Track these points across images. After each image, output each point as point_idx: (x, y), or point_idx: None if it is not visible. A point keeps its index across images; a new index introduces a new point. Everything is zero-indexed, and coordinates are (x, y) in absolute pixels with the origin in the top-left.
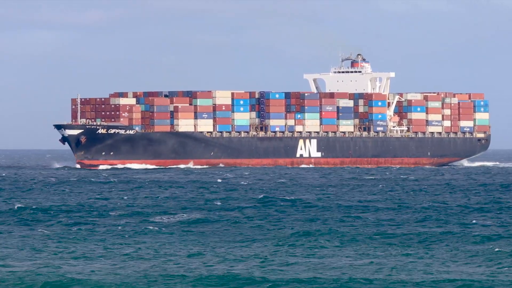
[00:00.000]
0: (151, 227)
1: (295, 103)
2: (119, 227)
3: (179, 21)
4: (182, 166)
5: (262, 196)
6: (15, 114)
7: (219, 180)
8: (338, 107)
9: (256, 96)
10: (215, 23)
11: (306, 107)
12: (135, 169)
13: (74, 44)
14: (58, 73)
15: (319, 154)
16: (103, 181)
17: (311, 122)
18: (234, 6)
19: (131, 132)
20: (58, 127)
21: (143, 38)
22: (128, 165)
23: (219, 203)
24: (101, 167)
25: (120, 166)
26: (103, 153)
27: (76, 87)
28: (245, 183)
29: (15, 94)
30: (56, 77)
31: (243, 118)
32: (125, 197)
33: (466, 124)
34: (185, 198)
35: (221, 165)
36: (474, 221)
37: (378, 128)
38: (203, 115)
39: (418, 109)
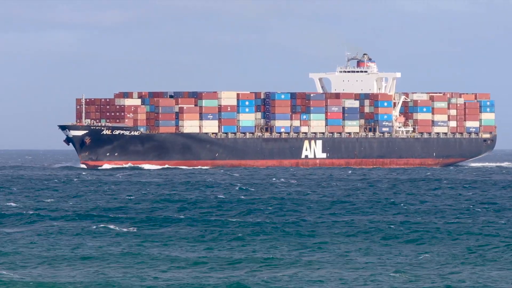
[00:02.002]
0: (111, 227)
1: (301, 103)
2: (80, 226)
3: (184, 21)
4: (186, 167)
5: (243, 197)
6: (20, 114)
7: (220, 181)
8: (343, 107)
9: (262, 96)
10: (220, 23)
11: (311, 108)
12: (137, 169)
13: (79, 45)
14: (63, 73)
15: (324, 155)
16: (94, 181)
17: (317, 123)
18: (239, 6)
19: (136, 133)
20: (63, 127)
21: (148, 38)
22: (132, 166)
23: (192, 200)
24: (105, 167)
25: (125, 166)
26: (108, 154)
27: (81, 87)
28: (236, 183)
29: (20, 94)
30: (61, 77)
31: (249, 119)
32: (100, 197)
33: (472, 124)
34: (166, 198)
35: (226, 166)
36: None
37: (384, 129)
38: (208, 116)
39: (424, 109)
